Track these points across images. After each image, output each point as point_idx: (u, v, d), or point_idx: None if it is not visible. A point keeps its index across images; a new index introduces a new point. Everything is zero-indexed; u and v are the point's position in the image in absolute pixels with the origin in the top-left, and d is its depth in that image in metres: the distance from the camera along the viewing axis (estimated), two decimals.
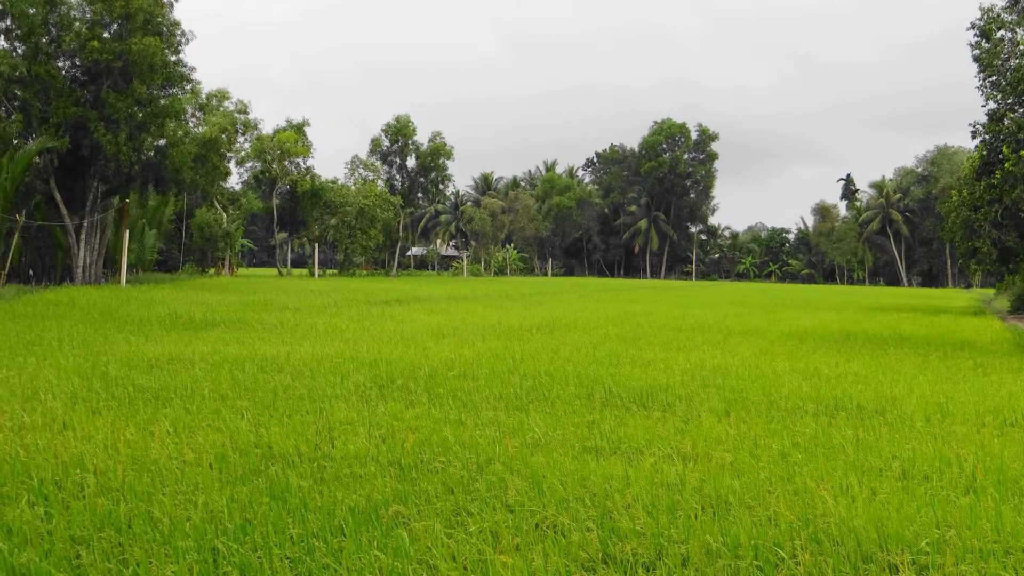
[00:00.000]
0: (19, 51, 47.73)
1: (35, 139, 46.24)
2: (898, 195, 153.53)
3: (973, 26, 41.43)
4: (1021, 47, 40.77)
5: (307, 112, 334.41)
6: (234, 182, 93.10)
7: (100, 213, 50.80)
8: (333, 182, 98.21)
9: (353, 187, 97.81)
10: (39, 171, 47.14)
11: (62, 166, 48.08)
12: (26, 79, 46.58)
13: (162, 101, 50.99)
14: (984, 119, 41.64)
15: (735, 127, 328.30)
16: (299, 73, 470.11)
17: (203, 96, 78.13)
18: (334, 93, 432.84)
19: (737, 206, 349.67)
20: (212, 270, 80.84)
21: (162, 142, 53.70)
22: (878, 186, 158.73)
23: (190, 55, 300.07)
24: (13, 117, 46.63)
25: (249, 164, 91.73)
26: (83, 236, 49.64)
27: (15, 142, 46.37)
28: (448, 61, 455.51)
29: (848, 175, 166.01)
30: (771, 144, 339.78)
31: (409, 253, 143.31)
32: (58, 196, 48.13)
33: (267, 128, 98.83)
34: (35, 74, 46.15)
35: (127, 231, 49.72)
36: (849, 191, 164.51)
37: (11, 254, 45.07)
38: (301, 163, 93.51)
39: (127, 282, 47.91)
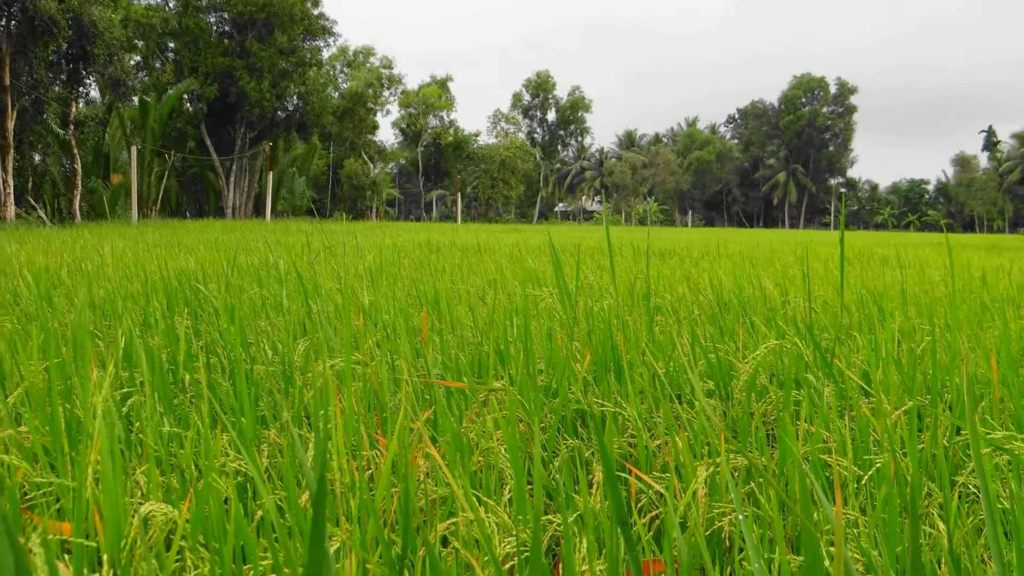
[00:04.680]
0: (171, 6, 50.48)
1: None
2: None
3: None
4: None
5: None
6: (382, 136, 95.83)
7: (247, 156, 53.30)
8: (476, 135, 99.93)
9: (496, 140, 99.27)
10: (190, 117, 49.78)
11: (211, 113, 50.71)
12: (177, 31, 49.28)
13: (304, 52, 53.24)
14: None
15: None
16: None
17: (350, 53, 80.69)
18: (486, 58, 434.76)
19: (880, 162, 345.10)
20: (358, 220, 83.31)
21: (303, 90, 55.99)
22: (1020, 136, 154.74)
23: (332, 8, 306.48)
24: (166, 67, 49.42)
25: (395, 115, 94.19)
26: (232, 179, 52.26)
27: (169, 91, 49.05)
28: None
29: (990, 127, 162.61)
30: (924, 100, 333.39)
31: (556, 209, 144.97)
32: (208, 141, 50.94)
33: (412, 83, 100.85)
34: (185, 27, 48.78)
35: (270, 174, 52.05)
36: (990, 143, 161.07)
37: (162, 188, 47.75)
38: (445, 116, 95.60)
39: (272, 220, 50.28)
